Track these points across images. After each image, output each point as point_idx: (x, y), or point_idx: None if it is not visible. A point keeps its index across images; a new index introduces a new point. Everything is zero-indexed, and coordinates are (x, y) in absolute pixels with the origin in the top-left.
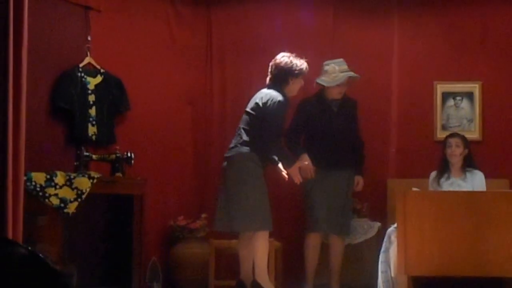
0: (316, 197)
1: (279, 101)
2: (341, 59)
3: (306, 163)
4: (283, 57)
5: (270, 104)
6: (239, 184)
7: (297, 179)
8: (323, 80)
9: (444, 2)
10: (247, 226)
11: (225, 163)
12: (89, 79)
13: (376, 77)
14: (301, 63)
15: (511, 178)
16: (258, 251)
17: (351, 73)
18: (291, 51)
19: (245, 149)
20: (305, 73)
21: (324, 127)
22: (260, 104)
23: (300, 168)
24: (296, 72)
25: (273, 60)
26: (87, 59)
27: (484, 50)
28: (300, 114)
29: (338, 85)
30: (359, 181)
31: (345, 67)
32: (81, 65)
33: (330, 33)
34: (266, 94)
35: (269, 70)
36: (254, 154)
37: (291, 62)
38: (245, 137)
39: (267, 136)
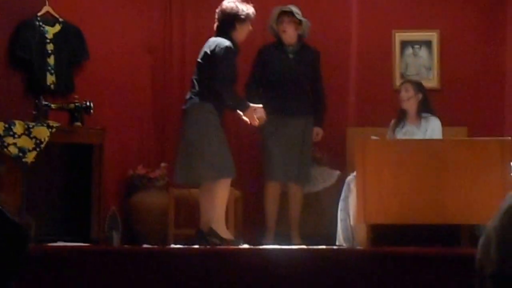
0: (272, 146)
1: (226, 46)
2: (292, 5)
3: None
4: (229, 3)
5: (217, 51)
6: (197, 135)
7: (254, 122)
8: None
9: None
10: (207, 176)
11: (183, 116)
12: (47, 28)
13: (334, 26)
14: (247, 8)
15: (469, 126)
16: (217, 198)
17: (281, 7)
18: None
19: (199, 99)
20: (251, 18)
21: (279, 73)
22: (208, 52)
23: (255, 111)
24: (243, 17)
25: (219, 6)
26: (45, 8)
27: None
28: (257, 63)
29: (281, 25)
30: (318, 132)
31: (286, 7)
32: (39, 14)
33: None
34: (214, 42)
35: (216, 17)
36: (209, 103)
37: (236, 7)
38: (197, 88)
39: (218, 83)
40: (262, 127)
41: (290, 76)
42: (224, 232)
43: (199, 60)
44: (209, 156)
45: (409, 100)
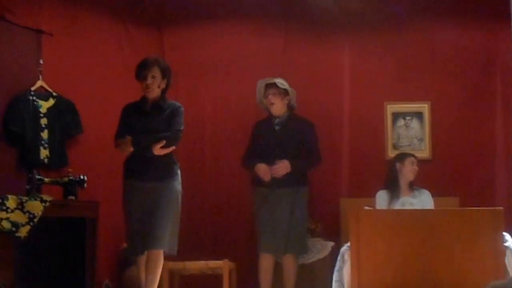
0: (262, 218)
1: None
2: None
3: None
4: None
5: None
6: None
7: None
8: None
9: (392, 25)
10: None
11: None
12: (41, 102)
13: (327, 99)
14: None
15: (461, 196)
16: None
17: (266, 80)
18: (242, 74)
19: None
20: (137, 74)
21: (266, 146)
22: None
23: None
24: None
25: None
26: (39, 83)
27: (432, 71)
28: (251, 138)
29: (267, 98)
30: (282, 162)
31: (269, 80)
32: (33, 88)
33: (281, 55)
34: None
35: None
36: None
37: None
38: None
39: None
40: (255, 198)
41: (276, 148)
42: None
43: None
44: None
45: (415, 174)
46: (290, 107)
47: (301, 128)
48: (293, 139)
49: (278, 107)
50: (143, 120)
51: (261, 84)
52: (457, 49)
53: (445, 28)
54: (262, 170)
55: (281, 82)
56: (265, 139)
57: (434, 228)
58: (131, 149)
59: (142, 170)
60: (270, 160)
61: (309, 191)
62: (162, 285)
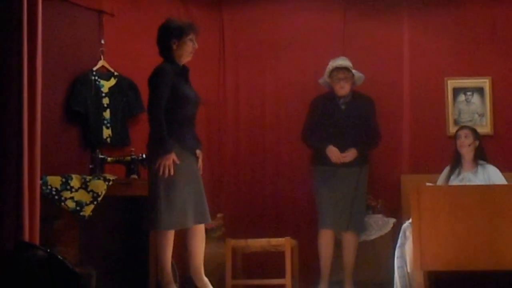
0: (324, 194)
1: (156, 73)
2: (342, 57)
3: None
4: (161, 25)
5: (150, 79)
6: (150, 178)
7: (161, 172)
8: (322, 79)
9: None
10: (144, 224)
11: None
12: (103, 82)
13: (387, 75)
14: (180, 22)
15: None
16: (158, 250)
17: (336, 63)
18: (302, 53)
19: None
20: (187, 31)
21: (331, 125)
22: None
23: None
24: (176, 32)
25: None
26: (101, 63)
27: (493, 46)
28: (311, 113)
29: (338, 81)
30: (351, 151)
31: (341, 62)
32: (95, 68)
33: (341, 33)
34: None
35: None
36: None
37: (167, 24)
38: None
39: (149, 115)
40: (315, 176)
41: (342, 127)
42: (168, 285)
43: None
44: (149, 203)
45: (469, 146)
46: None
47: (365, 105)
48: (358, 117)
49: (346, 90)
50: None
51: (331, 66)
52: None
53: (506, 1)
54: (335, 154)
55: (351, 66)
56: (332, 117)
57: (497, 204)
58: None
59: None
60: (332, 140)
61: (369, 168)
62: (225, 262)
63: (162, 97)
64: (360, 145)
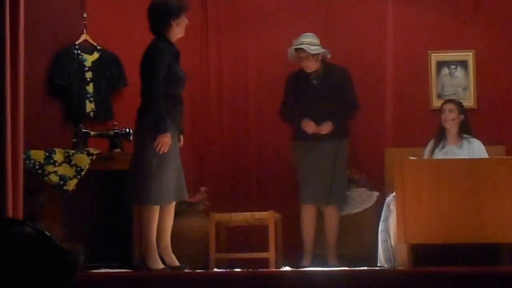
0: (304, 169)
1: (154, 50)
2: (309, 34)
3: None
4: (156, 2)
5: (143, 59)
6: (135, 152)
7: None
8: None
9: None
10: (132, 198)
11: None
12: (85, 56)
13: (371, 48)
14: (177, 1)
15: (507, 145)
16: (142, 225)
17: (295, 43)
18: (285, 26)
19: (139, 113)
20: (185, 9)
21: (305, 101)
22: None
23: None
24: (176, 11)
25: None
26: (84, 36)
27: (477, 19)
28: (286, 91)
29: (301, 60)
30: (326, 123)
31: (303, 39)
32: (77, 42)
33: (324, 5)
34: (146, 49)
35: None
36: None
37: (165, 2)
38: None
39: (148, 94)
40: (294, 151)
41: (316, 102)
42: (153, 261)
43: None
44: (138, 177)
45: (454, 120)
46: (323, 60)
47: (338, 77)
48: (331, 90)
49: (310, 67)
50: None
51: (290, 51)
52: None
53: None
54: (310, 125)
55: (312, 42)
56: (305, 93)
57: (481, 177)
58: None
59: None
60: (310, 114)
61: (349, 142)
62: (209, 236)
63: (160, 76)
64: (336, 117)
